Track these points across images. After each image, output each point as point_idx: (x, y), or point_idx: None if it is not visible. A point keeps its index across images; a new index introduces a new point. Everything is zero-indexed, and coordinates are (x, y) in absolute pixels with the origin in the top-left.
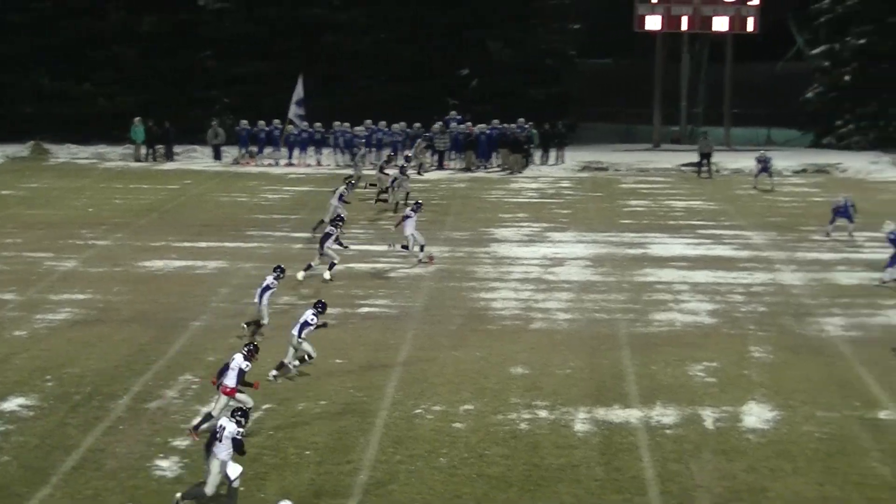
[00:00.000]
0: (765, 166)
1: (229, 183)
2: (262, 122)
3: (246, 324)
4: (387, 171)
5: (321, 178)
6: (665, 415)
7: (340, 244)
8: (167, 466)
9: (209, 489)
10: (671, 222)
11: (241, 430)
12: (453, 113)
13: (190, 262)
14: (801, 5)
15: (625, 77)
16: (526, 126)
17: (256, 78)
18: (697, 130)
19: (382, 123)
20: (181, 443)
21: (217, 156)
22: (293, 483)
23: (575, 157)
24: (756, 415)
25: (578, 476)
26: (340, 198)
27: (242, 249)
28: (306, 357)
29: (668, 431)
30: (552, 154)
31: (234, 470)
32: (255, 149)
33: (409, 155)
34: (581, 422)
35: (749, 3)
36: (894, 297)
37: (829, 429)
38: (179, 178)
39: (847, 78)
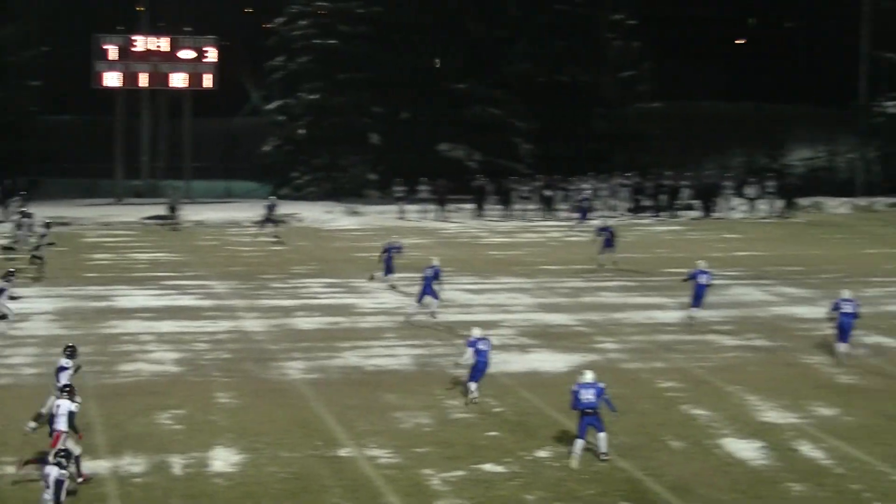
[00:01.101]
0: (269, 215)
1: None
2: None
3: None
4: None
5: None
6: (134, 464)
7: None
8: None
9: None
10: (136, 274)
11: (63, 471)
12: None
13: None
14: (255, 63)
15: (87, 132)
16: None
17: None
18: (160, 184)
19: None
20: None
21: None
22: None
23: (39, 213)
24: (223, 459)
25: None
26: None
27: None
28: None
29: (137, 480)
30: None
31: None
32: None
33: None
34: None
35: (206, 60)
36: (350, 340)
37: (293, 468)
38: None
39: (301, 131)
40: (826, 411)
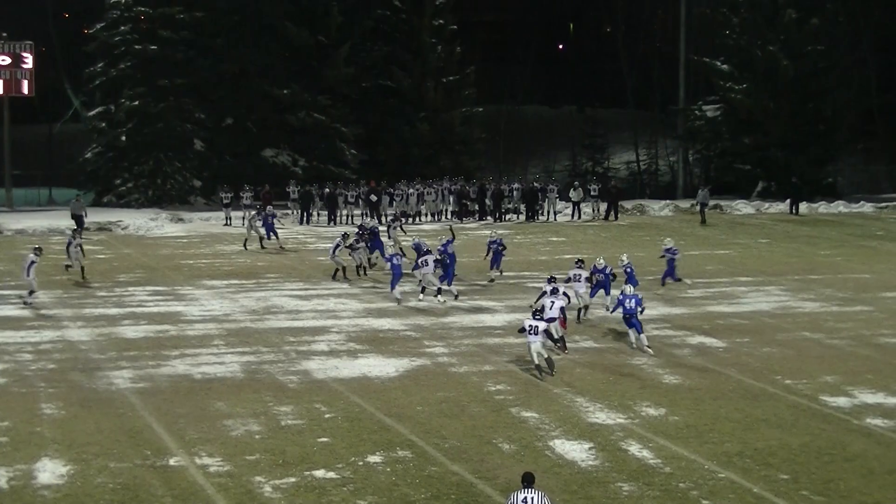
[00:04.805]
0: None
1: None
2: None
3: None
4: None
5: None
6: None
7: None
8: None
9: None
10: None
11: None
12: None
13: None
14: (75, 69)
15: None
16: None
17: None
18: None
19: None
20: None
21: None
22: None
23: None
24: (50, 470)
25: None
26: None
27: None
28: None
29: None
30: None
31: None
32: None
33: None
34: None
35: (24, 66)
36: (178, 348)
37: (122, 479)
38: None
39: (123, 138)
40: (652, 411)
